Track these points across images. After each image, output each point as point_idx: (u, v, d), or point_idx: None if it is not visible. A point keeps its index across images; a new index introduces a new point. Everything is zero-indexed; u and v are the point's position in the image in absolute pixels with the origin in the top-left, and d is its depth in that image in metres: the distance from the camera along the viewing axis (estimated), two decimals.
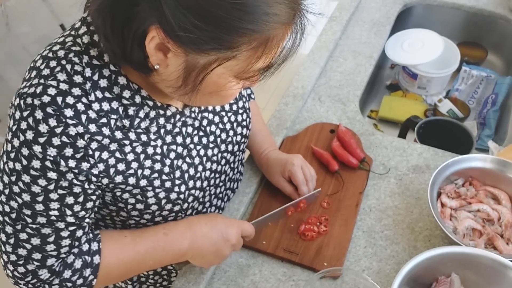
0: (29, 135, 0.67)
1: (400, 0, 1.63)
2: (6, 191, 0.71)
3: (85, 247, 0.78)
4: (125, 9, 0.62)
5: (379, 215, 1.05)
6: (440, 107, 1.46)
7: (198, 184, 0.86)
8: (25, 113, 0.67)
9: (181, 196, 0.83)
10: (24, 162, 0.69)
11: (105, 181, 0.74)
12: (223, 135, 0.91)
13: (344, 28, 1.52)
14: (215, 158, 0.90)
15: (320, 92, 1.34)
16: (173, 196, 0.82)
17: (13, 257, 0.74)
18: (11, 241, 0.73)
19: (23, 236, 0.73)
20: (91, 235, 0.79)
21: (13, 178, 0.70)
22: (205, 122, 0.87)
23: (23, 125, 0.67)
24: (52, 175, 0.69)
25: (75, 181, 0.71)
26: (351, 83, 1.36)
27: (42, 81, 0.68)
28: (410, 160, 1.16)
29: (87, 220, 0.77)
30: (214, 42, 0.62)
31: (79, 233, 0.76)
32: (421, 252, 0.86)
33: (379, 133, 1.23)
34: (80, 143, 0.69)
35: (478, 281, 0.87)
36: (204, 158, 0.87)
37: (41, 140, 0.67)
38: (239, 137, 0.94)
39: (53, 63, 0.70)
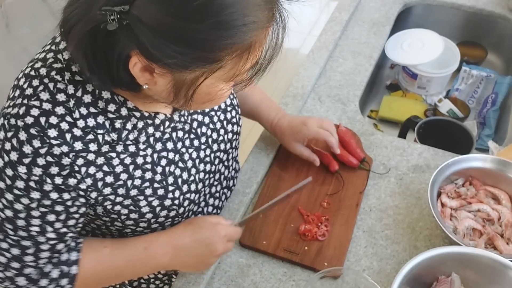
0: (14, 156, 0.68)
1: (400, 0, 1.63)
2: None
3: (64, 256, 0.79)
4: (103, 40, 0.62)
5: (380, 214, 1.05)
6: (440, 107, 1.46)
7: (193, 187, 0.86)
8: (9, 134, 0.68)
9: (176, 201, 0.83)
10: (8, 182, 0.69)
11: (93, 194, 0.74)
12: (214, 135, 0.90)
13: (344, 28, 1.52)
14: (208, 159, 0.89)
15: (320, 92, 1.34)
16: (168, 202, 0.81)
17: None
18: None
19: (3, 245, 0.74)
20: (73, 243, 0.80)
21: None
22: (195, 124, 0.86)
23: (7, 146, 0.68)
24: (36, 194, 0.70)
25: (58, 199, 0.71)
26: (351, 83, 1.36)
27: (25, 101, 0.68)
28: (410, 160, 1.16)
29: (69, 235, 0.77)
30: (198, 61, 0.62)
31: (60, 246, 0.77)
32: (422, 252, 0.86)
33: (379, 133, 1.23)
34: (66, 161, 0.69)
35: (479, 280, 0.87)
36: (197, 161, 0.87)
37: (26, 161, 0.67)
38: (230, 135, 0.94)
39: (35, 82, 0.70)
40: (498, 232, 0.98)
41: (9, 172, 0.69)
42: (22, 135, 0.67)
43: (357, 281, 0.89)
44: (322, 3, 3.35)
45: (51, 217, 0.73)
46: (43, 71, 0.71)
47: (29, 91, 0.69)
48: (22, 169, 0.68)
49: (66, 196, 0.72)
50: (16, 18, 3.26)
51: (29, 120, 0.67)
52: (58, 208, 0.72)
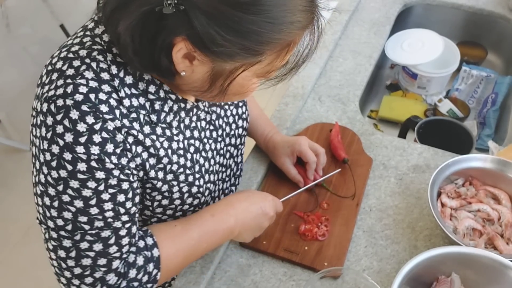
0: (69, 137, 0.65)
1: (400, 0, 1.63)
2: (56, 204, 0.68)
3: (141, 243, 0.77)
4: (153, 24, 0.62)
5: (380, 214, 1.05)
6: (440, 107, 1.46)
7: (212, 177, 0.89)
8: (59, 116, 0.65)
9: (201, 189, 0.85)
10: (69, 167, 0.66)
11: (141, 173, 0.74)
12: (227, 128, 0.92)
13: (344, 28, 1.52)
14: (222, 151, 0.92)
15: (320, 92, 1.34)
16: (194, 190, 0.83)
17: (77, 270, 0.72)
18: (72, 254, 0.71)
19: (84, 245, 0.70)
20: (141, 232, 0.79)
21: (60, 188, 0.67)
22: (214, 116, 0.88)
23: (59, 129, 0.65)
24: (100, 174, 0.67)
25: (122, 176, 0.70)
26: (351, 83, 1.36)
27: (69, 80, 0.66)
28: (410, 160, 1.16)
29: (137, 215, 0.77)
30: (243, 52, 0.63)
31: (134, 229, 0.76)
32: (422, 252, 0.86)
33: (379, 133, 1.23)
34: (119, 137, 0.68)
35: (479, 280, 0.87)
36: (215, 152, 0.89)
37: (82, 140, 0.65)
38: (240, 130, 0.96)
39: (76, 63, 0.68)
40: (498, 232, 0.98)
41: (68, 156, 0.65)
42: (74, 114, 0.65)
43: (357, 281, 0.89)
44: (322, 3, 3.35)
45: (121, 197, 0.71)
46: (83, 52, 0.69)
47: (70, 71, 0.67)
48: (80, 149, 0.65)
49: (126, 173, 0.70)
50: (16, 18, 3.26)
51: (79, 97, 0.65)
52: (124, 186, 0.71)
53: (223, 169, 0.95)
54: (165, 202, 0.81)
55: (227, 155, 0.94)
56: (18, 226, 2.20)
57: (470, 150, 1.24)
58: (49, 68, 0.70)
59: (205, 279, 0.95)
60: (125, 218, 0.73)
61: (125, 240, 0.74)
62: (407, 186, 1.11)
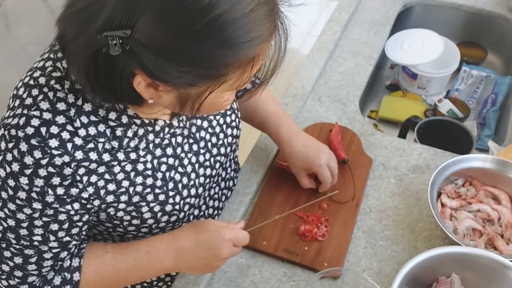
0: (15, 167, 0.67)
1: (400, 0, 1.63)
2: None
3: (66, 263, 0.78)
4: (105, 62, 0.61)
5: (379, 215, 1.05)
6: (440, 107, 1.46)
7: (193, 191, 0.86)
8: (10, 145, 0.67)
9: (176, 206, 0.82)
10: (10, 192, 0.69)
11: (96, 202, 0.74)
12: (214, 139, 0.90)
13: (343, 28, 1.52)
14: (207, 163, 0.89)
15: (320, 92, 1.34)
16: (169, 208, 0.81)
17: None
18: None
19: (6, 254, 0.74)
20: (76, 250, 0.79)
21: None
22: (193, 129, 0.86)
23: (9, 156, 0.67)
24: (38, 205, 0.70)
25: (60, 208, 0.71)
26: (351, 83, 1.36)
27: (25, 111, 0.68)
28: (410, 160, 1.16)
29: (73, 243, 0.77)
30: (202, 78, 0.62)
31: (64, 254, 0.77)
32: (421, 252, 0.86)
33: (379, 133, 1.23)
34: (67, 171, 0.69)
35: (479, 281, 0.87)
36: (197, 165, 0.86)
37: (27, 172, 0.67)
38: (230, 139, 0.94)
39: (35, 92, 0.69)
40: (498, 232, 0.98)
41: (11, 182, 0.68)
42: (23, 146, 0.66)
43: (357, 282, 0.89)
44: (322, 3, 3.35)
45: (54, 226, 0.72)
46: (42, 80, 0.70)
47: (28, 101, 0.69)
48: (23, 180, 0.67)
49: (68, 206, 0.71)
50: (16, 18, 3.26)
51: (30, 130, 0.67)
52: (61, 217, 0.72)
53: (211, 179, 0.92)
54: (136, 222, 0.80)
55: (216, 165, 0.92)
56: None
57: (470, 150, 1.24)
58: (14, 92, 0.72)
59: (205, 279, 0.95)
60: (53, 244, 0.74)
61: (48, 263, 0.76)
62: (407, 186, 1.10)
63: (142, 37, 0.57)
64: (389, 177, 1.12)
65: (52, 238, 0.73)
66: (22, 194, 0.69)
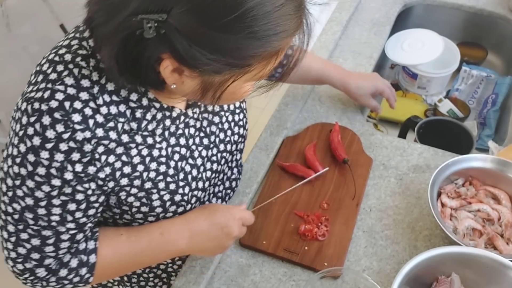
0: (36, 141, 0.67)
1: (400, 0, 1.63)
2: (10, 193, 0.72)
3: (82, 246, 0.79)
4: (134, 45, 0.63)
5: (380, 214, 1.05)
6: (440, 107, 1.46)
7: (200, 185, 0.87)
8: (32, 119, 0.67)
9: (185, 197, 0.83)
10: (30, 168, 0.69)
11: (111, 184, 0.74)
12: (222, 135, 0.91)
13: (344, 28, 1.52)
14: (214, 158, 0.90)
15: (320, 92, 1.34)
16: (178, 198, 0.82)
17: (13, 254, 0.75)
18: (12, 239, 0.74)
19: (23, 236, 0.74)
20: (90, 233, 0.80)
21: (17, 182, 0.70)
22: (205, 123, 0.87)
23: (30, 130, 0.67)
24: (56, 182, 0.70)
25: (78, 187, 0.71)
26: None
27: (49, 85, 0.68)
28: (410, 160, 1.16)
29: (89, 225, 0.78)
30: (229, 67, 0.63)
31: (79, 236, 0.77)
32: (421, 252, 0.86)
33: (379, 133, 1.23)
34: (87, 147, 0.69)
35: (478, 281, 0.87)
36: (205, 159, 0.87)
37: (48, 146, 0.67)
38: (236, 137, 0.95)
39: (60, 67, 0.70)
40: (498, 232, 0.98)
41: (31, 158, 0.68)
42: (46, 120, 0.67)
43: (357, 281, 0.89)
44: (322, 3, 3.35)
45: (72, 206, 0.73)
46: (68, 57, 0.71)
47: (53, 76, 0.69)
48: (44, 155, 0.68)
49: (86, 185, 0.72)
50: (16, 18, 3.26)
51: (54, 104, 0.67)
52: (79, 196, 0.72)
53: (216, 175, 0.93)
54: (144, 209, 0.80)
55: (222, 161, 0.93)
56: None
57: (470, 150, 1.24)
58: (37, 68, 0.73)
59: (205, 279, 0.95)
60: (71, 225, 0.75)
61: (65, 244, 0.76)
62: (407, 186, 1.11)
63: (177, 23, 0.59)
64: (389, 177, 1.12)
65: (69, 218, 0.73)
66: (41, 170, 0.69)
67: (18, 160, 0.69)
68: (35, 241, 0.74)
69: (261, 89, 0.75)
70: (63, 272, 0.78)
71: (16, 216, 0.73)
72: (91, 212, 0.76)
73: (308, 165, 1.12)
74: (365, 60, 1.43)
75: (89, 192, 0.73)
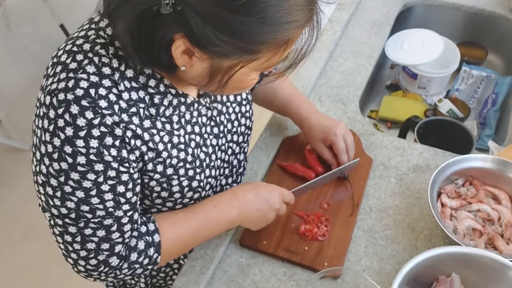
0: (69, 131, 0.68)
1: (400, 0, 1.63)
2: (58, 194, 0.72)
3: (143, 229, 0.81)
4: (150, 22, 0.64)
5: (380, 214, 1.05)
6: (440, 107, 1.46)
7: (213, 172, 0.90)
8: (60, 110, 0.68)
9: (201, 184, 0.86)
10: (70, 160, 0.69)
11: (140, 165, 0.76)
12: (229, 125, 0.93)
13: (344, 28, 1.52)
14: (223, 147, 0.93)
15: (320, 92, 1.34)
16: (195, 184, 0.85)
17: (83, 253, 0.76)
18: (78, 239, 0.75)
19: (88, 231, 0.75)
20: (144, 218, 0.82)
21: (62, 179, 0.71)
22: (215, 112, 0.89)
23: (61, 122, 0.68)
24: (99, 167, 0.70)
25: (121, 168, 0.72)
26: (351, 83, 1.36)
27: (71, 74, 0.69)
28: (410, 160, 1.16)
29: (138, 202, 0.79)
30: (238, 51, 0.65)
31: (136, 215, 0.79)
32: (422, 252, 0.86)
33: (379, 133, 1.23)
34: (118, 131, 0.70)
35: (479, 280, 0.87)
36: (216, 148, 0.90)
37: (82, 133, 0.68)
38: (243, 128, 0.97)
39: (79, 57, 0.70)
40: (498, 232, 0.98)
41: (68, 149, 0.68)
42: (74, 108, 0.67)
43: (357, 281, 0.89)
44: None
45: (121, 188, 0.74)
46: (86, 46, 0.71)
47: (73, 65, 0.70)
48: (79, 143, 0.68)
49: (126, 164, 0.73)
50: (16, 18, 3.26)
51: (79, 92, 0.68)
52: (124, 177, 0.73)
53: (225, 165, 0.96)
54: (164, 194, 0.82)
55: (229, 152, 0.96)
56: (18, 225, 2.20)
57: (470, 150, 1.24)
58: (55, 60, 0.73)
59: (205, 278, 0.95)
60: (126, 207, 0.76)
61: (127, 227, 0.78)
62: (407, 186, 1.11)
63: (193, 1, 0.60)
64: (389, 177, 1.12)
65: (122, 200, 0.75)
66: (81, 159, 0.69)
67: (55, 155, 0.69)
68: (101, 232, 0.75)
69: (267, 78, 0.77)
70: (133, 256, 0.80)
71: (73, 215, 0.73)
72: (138, 189, 0.78)
73: (308, 165, 1.12)
74: (365, 60, 1.43)
75: (131, 170, 0.74)
